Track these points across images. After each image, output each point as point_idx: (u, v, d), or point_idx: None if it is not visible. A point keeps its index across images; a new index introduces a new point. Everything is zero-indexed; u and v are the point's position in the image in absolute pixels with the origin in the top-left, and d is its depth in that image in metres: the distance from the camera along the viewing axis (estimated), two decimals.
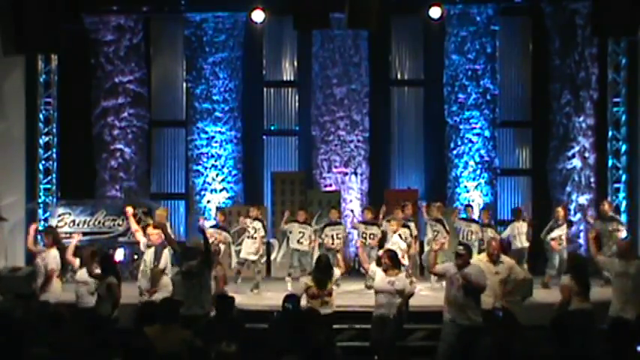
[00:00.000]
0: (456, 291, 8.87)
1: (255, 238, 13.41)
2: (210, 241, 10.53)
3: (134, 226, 11.35)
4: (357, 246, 13.48)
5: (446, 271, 9.12)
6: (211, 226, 13.60)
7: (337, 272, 9.91)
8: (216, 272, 10.57)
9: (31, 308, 10.38)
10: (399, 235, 12.79)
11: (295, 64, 17.19)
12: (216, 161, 16.40)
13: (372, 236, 13.44)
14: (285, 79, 17.30)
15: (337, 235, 13.65)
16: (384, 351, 9.61)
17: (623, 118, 15.57)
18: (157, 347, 6.45)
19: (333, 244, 13.55)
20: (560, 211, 13.93)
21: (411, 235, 13.19)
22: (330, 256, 12.72)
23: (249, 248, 13.44)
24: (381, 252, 9.99)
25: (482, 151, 16.31)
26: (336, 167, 16.47)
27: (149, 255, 10.45)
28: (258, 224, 13.49)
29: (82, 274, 10.36)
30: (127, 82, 16.32)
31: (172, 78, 17.20)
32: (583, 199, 15.95)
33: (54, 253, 10.81)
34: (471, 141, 16.30)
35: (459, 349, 8.68)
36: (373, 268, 9.76)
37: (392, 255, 9.64)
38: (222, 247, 12.86)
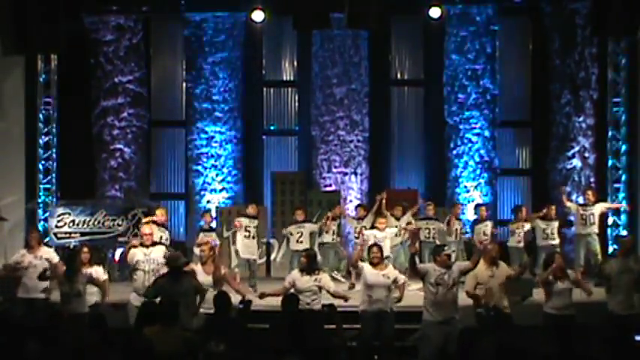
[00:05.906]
0: (446, 290, 9.05)
1: (254, 238, 13.42)
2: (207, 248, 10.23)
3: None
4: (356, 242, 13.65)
5: (427, 271, 9.22)
6: (201, 230, 13.54)
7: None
8: (215, 276, 10.34)
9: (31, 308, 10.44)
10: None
11: (295, 64, 17.18)
12: (216, 161, 16.38)
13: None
14: (284, 79, 17.29)
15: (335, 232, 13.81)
16: (386, 347, 9.66)
17: (623, 118, 15.56)
18: (157, 347, 6.46)
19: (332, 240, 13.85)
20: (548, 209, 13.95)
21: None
22: (332, 252, 13.31)
23: (248, 247, 13.41)
24: (374, 247, 10.15)
25: (482, 151, 16.29)
26: (335, 167, 16.47)
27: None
28: (254, 222, 13.48)
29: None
30: (127, 82, 16.30)
31: (172, 78, 17.19)
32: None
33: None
34: (470, 141, 16.28)
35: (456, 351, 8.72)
36: (361, 264, 9.96)
37: (380, 248, 9.99)
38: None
